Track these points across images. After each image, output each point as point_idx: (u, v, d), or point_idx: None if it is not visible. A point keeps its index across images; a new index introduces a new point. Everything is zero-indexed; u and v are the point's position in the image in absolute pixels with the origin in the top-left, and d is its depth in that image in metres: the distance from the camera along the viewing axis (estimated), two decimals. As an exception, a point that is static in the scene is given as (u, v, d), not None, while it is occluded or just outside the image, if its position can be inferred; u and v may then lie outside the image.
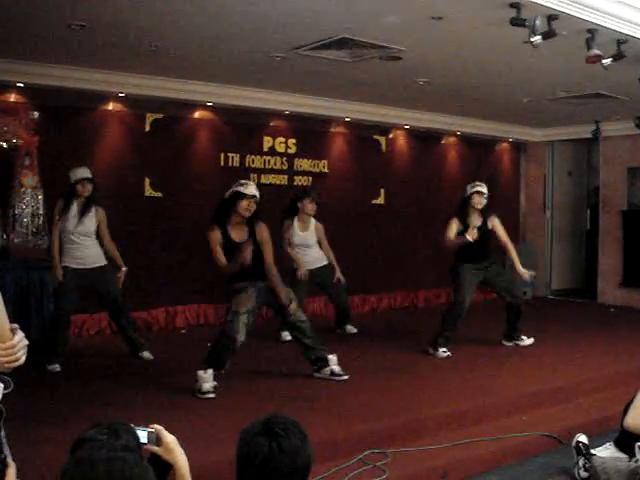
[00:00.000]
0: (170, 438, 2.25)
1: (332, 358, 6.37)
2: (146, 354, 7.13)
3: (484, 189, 7.62)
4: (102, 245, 6.98)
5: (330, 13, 5.77)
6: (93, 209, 6.92)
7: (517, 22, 5.38)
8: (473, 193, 7.59)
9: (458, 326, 7.77)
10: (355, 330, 8.81)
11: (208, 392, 5.80)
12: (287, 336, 7.81)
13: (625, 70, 7.05)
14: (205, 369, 5.88)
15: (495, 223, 7.77)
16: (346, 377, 6.32)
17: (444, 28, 6.09)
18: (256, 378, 6.43)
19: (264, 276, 6.09)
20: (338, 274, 8.46)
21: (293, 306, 6.19)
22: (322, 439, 4.85)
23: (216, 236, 6.07)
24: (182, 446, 2.26)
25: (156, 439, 2.22)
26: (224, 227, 6.08)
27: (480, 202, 7.58)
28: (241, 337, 5.95)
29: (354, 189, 10.77)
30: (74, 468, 1.78)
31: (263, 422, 2.16)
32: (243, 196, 5.98)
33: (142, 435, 2.16)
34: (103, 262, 6.99)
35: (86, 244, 6.89)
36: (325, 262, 8.39)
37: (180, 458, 2.24)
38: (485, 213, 7.69)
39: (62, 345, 6.91)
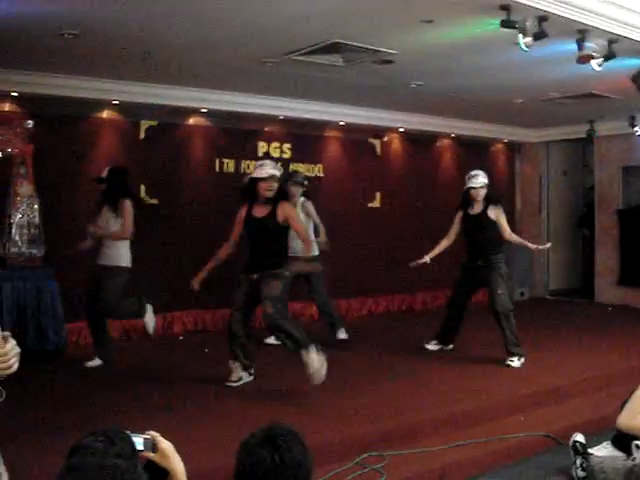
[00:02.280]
0: (166, 444, 2.24)
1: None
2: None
3: (478, 183, 7.45)
4: None
5: (321, 18, 5.78)
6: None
7: (508, 24, 5.39)
8: (469, 189, 7.50)
9: (452, 325, 7.85)
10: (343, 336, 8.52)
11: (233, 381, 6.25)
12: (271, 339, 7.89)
13: (617, 69, 7.06)
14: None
15: (497, 213, 7.53)
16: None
17: (435, 31, 6.11)
18: (249, 382, 6.42)
19: (271, 266, 6.06)
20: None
21: None
22: (319, 442, 4.84)
23: (241, 213, 6.26)
24: (179, 452, 2.26)
25: (152, 445, 2.21)
26: (251, 204, 6.18)
27: (478, 195, 7.47)
28: (239, 332, 6.20)
29: (350, 193, 10.78)
30: (67, 475, 1.78)
31: (264, 433, 2.15)
32: (259, 180, 6.02)
33: (138, 442, 2.15)
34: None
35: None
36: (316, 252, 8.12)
37: (177, 465, 2.23)
38: (486, 202, 7.53)
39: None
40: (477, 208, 7.52)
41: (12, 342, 2.26)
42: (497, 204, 7.58)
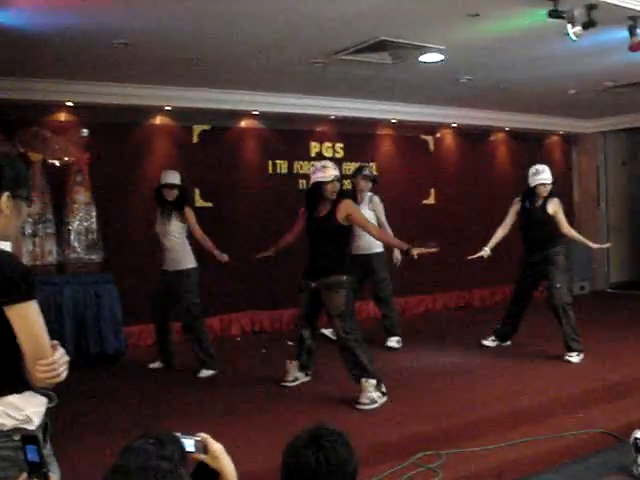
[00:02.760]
0: (217, 446, 2.26)
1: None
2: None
3: (547, 178, 7.31)
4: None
5: (367, 16, 5.77)
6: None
7: (555, 14, 5.30)
8: (537, 185, 7.33)
9: (512, 322, 7.77)
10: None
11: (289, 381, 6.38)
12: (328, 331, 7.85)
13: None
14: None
15: (556, 207, 7.41)
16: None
17: (481, 25, 6.05)
18: (307, 383, 6.45)
19: (328, 272, 5.95)
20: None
21: None
22: (375, 441, 4.89)
23: (303, 215, 6.30)
24: (230, 454, 2.28)
25: (203, 447, 2.23)
26: (314, 210, 6.14)
27: (545, 191, 7.34)
28: (307, 337, 6.34)
29: (404, 190, 10.72)
30: (110, 476, 1.82)
31: (309, 434, 2.15)
32: (325, 183, 5.98)
33: (189, 444, 2.18)
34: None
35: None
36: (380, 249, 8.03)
37: (227, 466, 2.25)
38: (546, 197, 7.39)
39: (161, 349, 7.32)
40: (537, 202, 7.42)
41: (61, 351, 2.31)
42: (555, 198, 7.46)
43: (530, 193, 7.43)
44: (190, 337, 7.09)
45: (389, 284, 8.10)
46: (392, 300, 8.24)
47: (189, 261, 7.05)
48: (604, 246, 8.29)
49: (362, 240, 7.75)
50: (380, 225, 7.92)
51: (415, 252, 5.92)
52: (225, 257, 7.04)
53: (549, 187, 7.34)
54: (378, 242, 7.70)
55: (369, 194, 8.07)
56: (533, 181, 7.35)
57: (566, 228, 7.50)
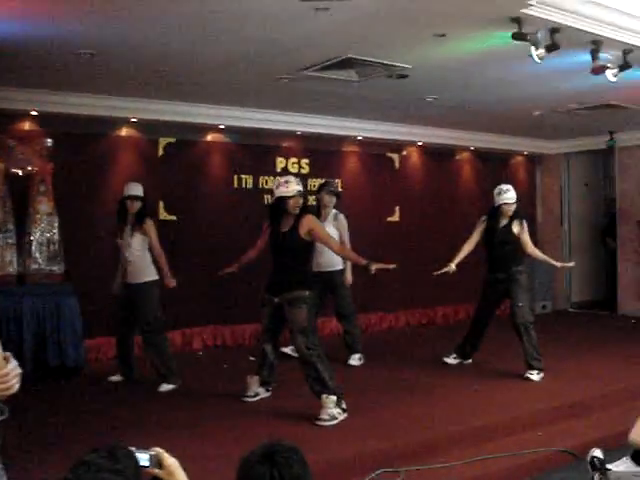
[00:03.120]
0: (171, 461, 2.25)
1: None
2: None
3: (511, 198, 7.40)
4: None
5: (334, 34, 5.79)
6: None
7: (519, 37, 5.38)
8: (502, 205, 7.43)
9: (474, 340, 7.83)
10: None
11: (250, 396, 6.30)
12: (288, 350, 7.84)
13: (634, 79, 7.02)
14: None
15: (521, 228, 7.51)
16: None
17: (448, 45, 6.11)
18: (268, 399, 6.42)
19: (290, 287, 5.95)
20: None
21: None
22: (334, 458, 4.88)
23: (266, 225, 6.28)
24: (187, 469, 2.27)
25: (157, 462, 2.22)
26: (277, 225, 6.13)
27: (510, 210, 7.43)
28: (269, 353, 6.30)
29: (369, 207, 10.76)
30: (61, 490, 1.80)
31: (264, 449, 2.13)
32: (287, 198, 5.97)
33: (143, 458, 2.17)
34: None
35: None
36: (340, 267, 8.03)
37: (181, 481, 2.24)
38: (511, 217, 7.49)
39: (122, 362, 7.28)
40: (502, 222, 7.49)
41: (13, 363, 2.27)
42: (521, 219, 7.55)
43: (495, 212, 7.51)
44: (151, 351, 7.02)
45: (351, 301, 8.10)
46: (355, 317, 8.23)
47: (150, 274, 6.99)
48: (568, 265, 8.42)
49: (324, 257, 7.74)
50: (341, 243, 7.86)
51: (374, 267, 5.96)
52: (173, 283, 7.03)
53: (513, 207, 7.43)
54: (340, 259, 7.73)
55: (334, 211, 8.07)
56: (497, 200, 7.44)
57: (530, 248, 7.59)
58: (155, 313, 6.93)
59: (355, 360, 8.03)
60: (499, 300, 7.80)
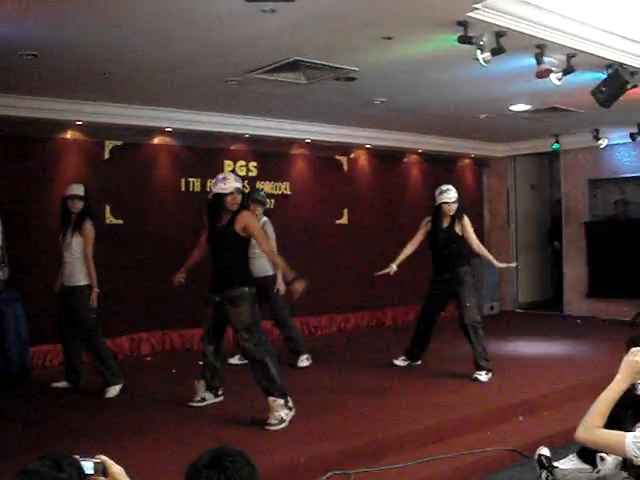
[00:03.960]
0: (117, 468, 2.22)
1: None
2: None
3: (451, 197, 7.46)
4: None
5: (280, 36, 5.78)
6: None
7: (465, 40, 5.42)
8: (442, 204, 7.48)
9: (421, 341, 7.88)
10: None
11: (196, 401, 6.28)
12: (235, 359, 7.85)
13: (578, 83, 7.13)
14: None
15: (464, 224, 7.54)
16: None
17: (395, 48, 6.14)
18: (215, 404, 6.35)
19: (231, 284, 5.89)
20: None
21: None
22: (283, 462, 4.86)
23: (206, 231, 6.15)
24: (133, 476, 2.23)
25: (103, 469, 2.19)
26: (215, 222, 6.03)
27: (450, 209, 7.46)
28: (209, 354, 6.21)
29: (317, 210, 10.78)
30: (6, 501, 1.76)
31: (211, 454, 2.12)
32: (225, 195, 5.89)
33: (88, 466, 2.13)
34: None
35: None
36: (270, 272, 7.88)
37: (128, 489, 2.21)
38: (453, 216, 7.52)
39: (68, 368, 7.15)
40: (445, 222, 7.54)
41: None
42: (463, 217, 7.58)
43: (437, 212, 7.57)
44: (90, 353, 6.94)
45: (286, 305, 8.04)
46: (291, 321, 8.22)
47: (85, 277, 6.88)
48: (510, 265, 8.48)
49: (257, 263, 7.57)
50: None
51: (299, 287, 5.95)
52: (94, 295, 6.85)
53: (454, 206, 7.48)
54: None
55: (264, 219, 7.98)
56: (438, 200, 7.51)
57: (476, 244, 7.63)
58: (90, 315, 6.83)
59: (303, 361, 8.02)
60: (445, 301, 7.83)
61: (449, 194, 7.48)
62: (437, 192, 7.57)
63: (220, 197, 5.92)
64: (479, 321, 7.37)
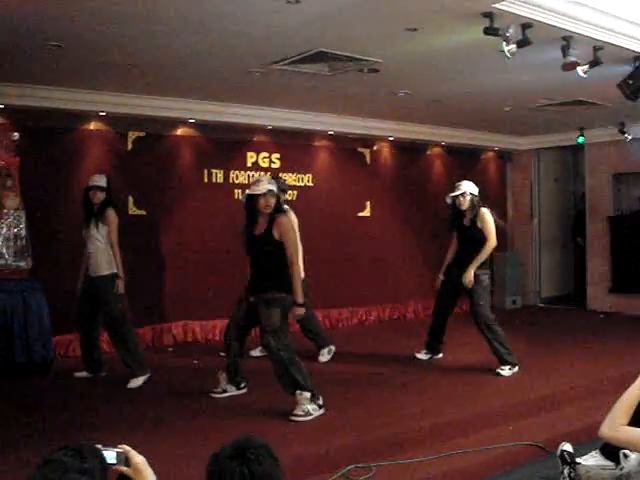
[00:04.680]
0: (139, 459, 2.22)
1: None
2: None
3: (455, 192, 7.37)
4: None
5: (305, 27, 5.76)
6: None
7: (490, 32, 5.37)
8: (454, 198, 7.44)
9: (436, 333, 7.90)
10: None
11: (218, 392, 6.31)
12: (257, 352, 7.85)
13: (604, 76, 7.06)
14: None
15: (482, 219, 7.37)
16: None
17: (419, 39, 6.10)
18: (238, 395, 6.36)
19: (267, 289, 5.86)
20: None
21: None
22: (304, 453, 4.87)
23: (243, 237, 6.10)
24: (155, 467, 2.23)
25: (125, 459, 2.19)
26: (252, 224, 6.02)
27: (464, 202, 7.36)
28: (233, 346, 6.23)
29: (339, 202, 10.75)
30: (27, 489, 1.77)
31: (234, 446, 2.11)
32: (257, 196, 5.88)
33: (110, 456, 2.14)
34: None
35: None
36: None
37: (149, 479, 2.21)
38: (472, 213, 7.40)
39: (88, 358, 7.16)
40: (465, 220, 7.50)
41: None
42: (483, 211, 7.42)
43: (456, 210, 7.52)
44: (116, 344, 6.97)
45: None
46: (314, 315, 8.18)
47: (112, 266, 6.90)
48: (466, 281, 7.42)
49: None
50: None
51: (298, 313, 5.91)
52: (121, 283, 6.88)
53: (464, 200, 7.36)
54: None
55: (285, 207, 7.93)
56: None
57: (492, 239, 7.39)
58: (117, 304, 6.86)
59: (324, 355, 8.02)
60: (455, 291, 7.65)
61: (455, 191, 7.42)
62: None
63: (252, 198, 5.92)
64: (491, 319, 7.29)
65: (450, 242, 7.78)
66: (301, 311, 5.88)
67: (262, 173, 9.47)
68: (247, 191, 6.03)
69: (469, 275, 7.26)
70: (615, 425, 3.07)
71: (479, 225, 7.40)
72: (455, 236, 7.69)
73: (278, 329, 5.77)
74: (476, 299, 7.31)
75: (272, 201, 5.90)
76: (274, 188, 5.94)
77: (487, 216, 7.39)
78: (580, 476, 4.60)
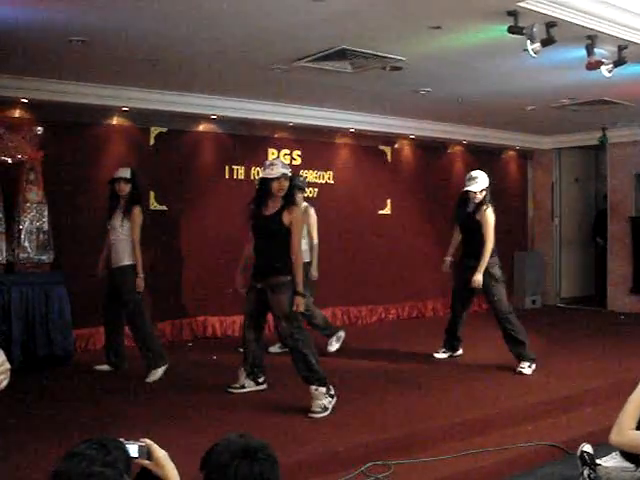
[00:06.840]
0: (161, 453, 2.23)
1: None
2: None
3: (473, 189, 7.24)
4: None
5: (328, 24, 5.76)
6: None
7: (515, 30, 5.36)
8: (467, 191, 7.36)
9: (454, 330, 7.89)
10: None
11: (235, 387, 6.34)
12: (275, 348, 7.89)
13: (628, 76, 7.01)
14: None
15: (483, 216, 7.27)
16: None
17: (443, 37, 6.08)
18: (257, 390, 6.37)
19: (273, 272, 5.87)
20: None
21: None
22: (323, 450, 4.87)
23: (250, 215, 6.11)
24: (175, 461, 2.25)
25: (147, 453, 2.20)
26: (262, 204, 6.00)
27: (475, 198, 7.30)
28: (250, 340, 6.22)
29: (360, 200, 10.74)
30: (53, 480, 1.78)
31: (241, 443, 2.11)
32: (271, 180, 5.89)
33: (133, 449, 2.15)
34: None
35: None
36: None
37: (171, 473, 2.23)
38: (480, 204, 7.30)
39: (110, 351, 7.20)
40: (470, 207, 7.46)
41: (1, 358, 2.23)
42: (486, 207, 7.31)
43: (463, 196, 7.50)
44: (134, 333, 7.03)
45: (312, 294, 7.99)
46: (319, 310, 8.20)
47: (129, 257, 6.93)
48: (475, 284, 7.30)
49: None
50: (310, 237, 7.93)
51: (300, 303, 5.82)
52: (140, 281, 6.88)
53: (479, 195, 7.29)
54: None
55: (304, 204, 7.95)
56: (465, 185, 7.39)
57: (484, 238, 7.26)
58: (134, 295, 6.90)
59: (333, 345, 8.09)
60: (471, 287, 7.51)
61: (471, 184, 7.28)
62: (467, 177, 7.44)
63: (266, 182, 5.93)
64: (509, 311, 7.25)
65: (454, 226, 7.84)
66: (301, 301, 5.83)
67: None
68: (261, 174, 6.05)
69: (477, 280, 7.20)
70: (623, 430, 3.05)
71: (478, 219, 7.32)
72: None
73: (290, 314, 5.79)
74: (491, 296, 7.29)
75: (286, 184, 5.91)
76: (287, 172, 5.95)
77: (489, 217, 7.29)
78: (600, 477, 4.58)
